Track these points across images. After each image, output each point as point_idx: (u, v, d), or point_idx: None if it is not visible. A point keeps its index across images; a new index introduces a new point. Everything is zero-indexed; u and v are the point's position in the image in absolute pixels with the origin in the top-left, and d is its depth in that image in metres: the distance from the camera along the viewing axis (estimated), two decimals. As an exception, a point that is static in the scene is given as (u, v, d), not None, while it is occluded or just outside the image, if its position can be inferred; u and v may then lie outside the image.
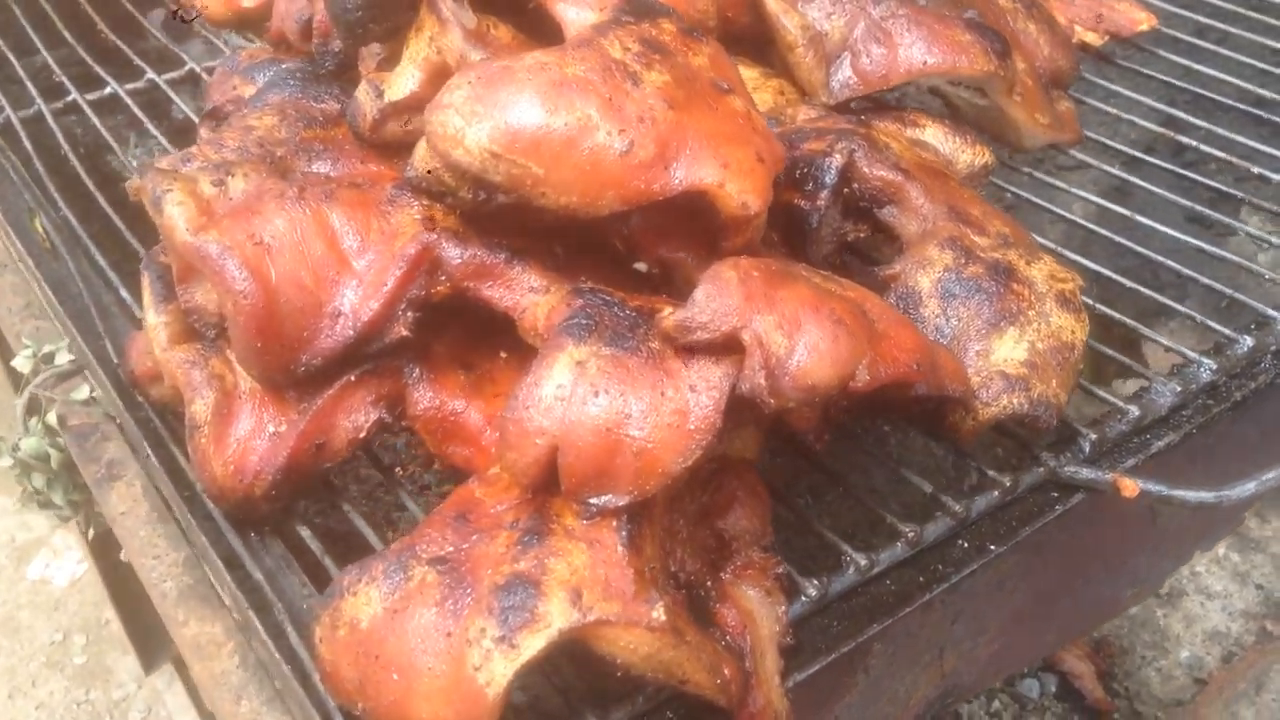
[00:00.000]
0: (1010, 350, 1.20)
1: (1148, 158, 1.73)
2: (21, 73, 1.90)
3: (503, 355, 1.24)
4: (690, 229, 1.18)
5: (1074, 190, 1.66)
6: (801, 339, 1.01)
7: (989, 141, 1.52)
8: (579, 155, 1.06)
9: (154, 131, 1.77)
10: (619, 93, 1.09)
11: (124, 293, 1.47)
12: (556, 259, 1.19)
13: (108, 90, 1.88)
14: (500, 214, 1.12)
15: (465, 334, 1.23)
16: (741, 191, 1.09)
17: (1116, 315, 1.45)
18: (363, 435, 1.18)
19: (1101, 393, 1.31)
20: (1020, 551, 1.23)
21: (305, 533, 1.21)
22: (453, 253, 1.15)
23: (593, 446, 1.00)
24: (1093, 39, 1.76)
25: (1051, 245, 1.60)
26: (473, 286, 1.16)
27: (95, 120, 1.79)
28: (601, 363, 1.02)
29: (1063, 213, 1.64)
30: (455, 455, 1.19)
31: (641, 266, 1.25)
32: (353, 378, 1.17)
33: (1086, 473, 1.23)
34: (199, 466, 1.18)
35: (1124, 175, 1.70)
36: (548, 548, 1.01)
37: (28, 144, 1.74)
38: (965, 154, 1.47)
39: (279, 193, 1.16)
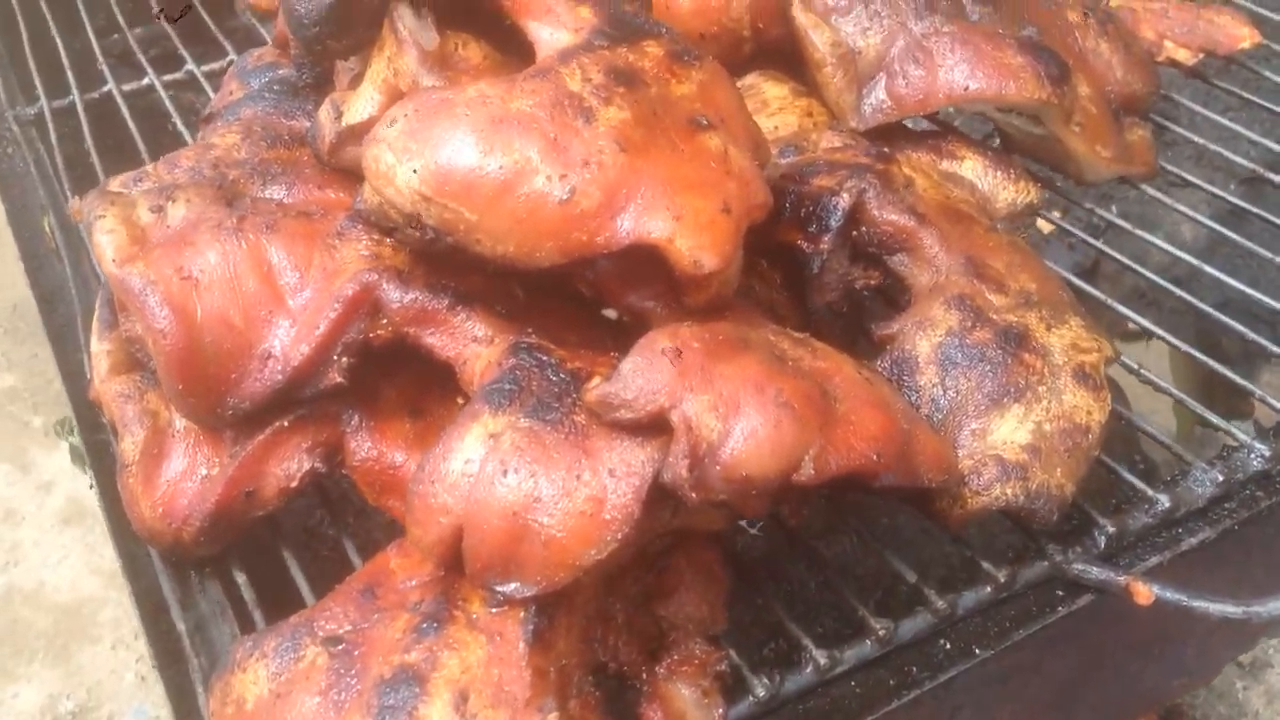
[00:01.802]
0: (1011, 431, 1.05)
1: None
2: (64, 57, 1.86)
3: (459, 401, 1.15)
4: (659, 276, 1.06)
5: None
6: (738, 424, 0.90)
7: (1037, 177, 1.36)
8: (514, 201, 0.96)
9: (180, 128, 1.72)
10: (566, 132, 0.98)
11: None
12: (513, 302, 1.09)
13: (145, 81, 1.83)
14: (452, 253, 1.03)
15: (419, 376, 1.14)
16: (695, 248, 0.97)
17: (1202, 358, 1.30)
18: (295, 484, 1.10)
19: (1127, 474, 1.16)
20: (1018, 652, 1.09)
21: (241, 578, 1.14)
22: (394, 295, 1.06)
23: (498, 531, 0.90)
24: (1184, 56, 1.57)
25: (1146, 272, 1.47)
26: (414, 332, 1.07)
27: (126, 113, 1.75)
28: (516, 436, 0.92)
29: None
30: (394, 509, 1.11)
31: (612, 313, 1.15)
32: (286, 423, 1.09)
33: (1097, 572, 1.08)
34: (128, 506, 1.12)
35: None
36: (444, 638, 0.92)
37: (54, 136, 1.71)
38: (1006, 191, 1.32)
39: (216, 223, 1.09)
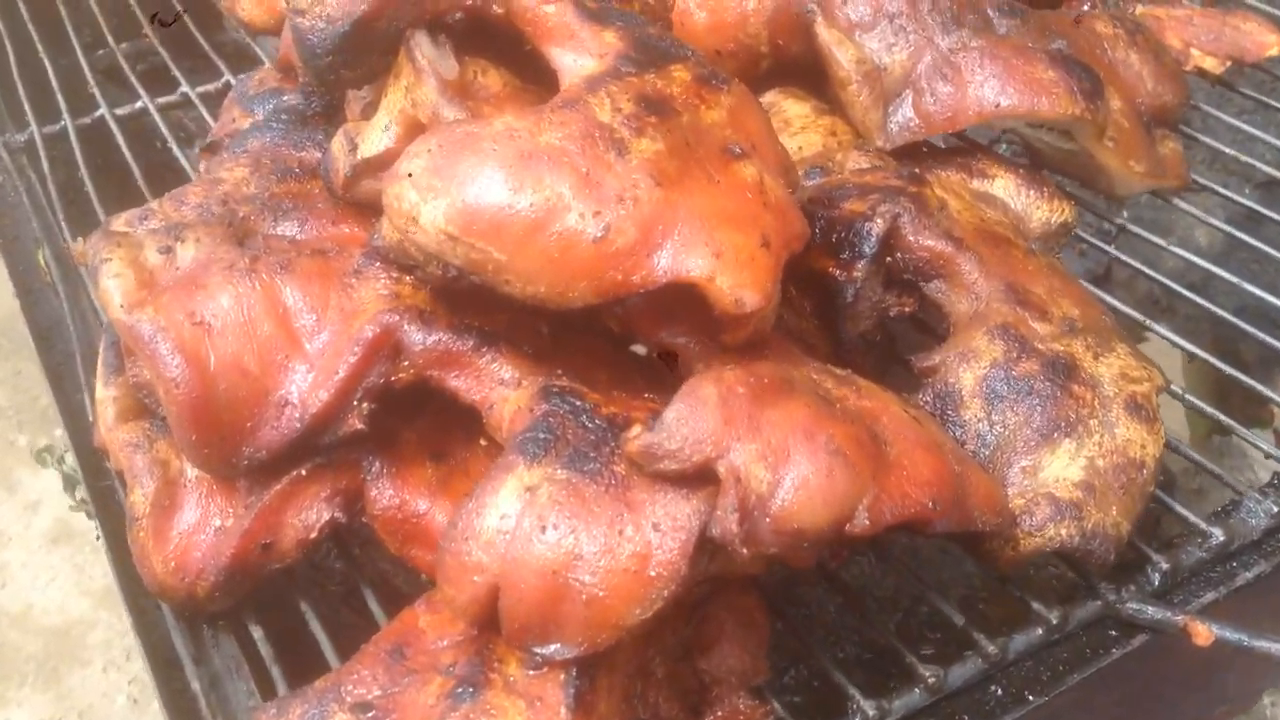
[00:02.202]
0: (1063, 468, 1.01)
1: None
2: (53, 81, 1.81)
3: (481, 443, 1.10)
4: (693, 311, 1.02)
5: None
6: (788, 474, 0.85)
7: (1070, 195, 1.32)
8: (546, 241, 0.91)
9: (176, 151, 1.67)
10: (599, 166, 0.93)
11: (114, 338, 1.37)
12: (540, 340, 1.05)
13: (138, 104, 1.78)
14: (475, 291, 0.98)
15: (439, 416, 1.10)
16: (736, 286, 0.92)
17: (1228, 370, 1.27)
18: (314, 536, 1.05)
19: (1179, 508, 1.11)
20: (1071, 693, 1.05)
21: (258, 633, 1.09)
22: (416, 337, 1.01)
23: (537, 590, 0.86)
24: (1212, 65, 1.53)
25: (1160, 278, 1.44)
26: (437, 375, 1.02)
27: (120, 139, 1.69)
28: (554, 489, 0.87)
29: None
30: (418, 559, 1.06)
31: (641, 349, 1.10)
32: (304, 471, 1.04)
33: (1153, 611, 1.04)
34: (138, 561, 1.07)
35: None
36: (481, 704, 0.87)
37: (45, 164, 1.65)
38: (1040, 211, 1.27)
39: (229, 263, 1.04)
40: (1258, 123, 1.77)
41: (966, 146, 1.36)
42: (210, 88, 1.83)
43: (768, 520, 0.85)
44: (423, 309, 1.03)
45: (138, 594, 1.12)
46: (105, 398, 1.11)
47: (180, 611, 1.09)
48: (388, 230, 1.00)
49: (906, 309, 1.18)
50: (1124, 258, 1.50)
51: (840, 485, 0.86)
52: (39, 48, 1.89)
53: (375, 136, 1.09)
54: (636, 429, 0.88)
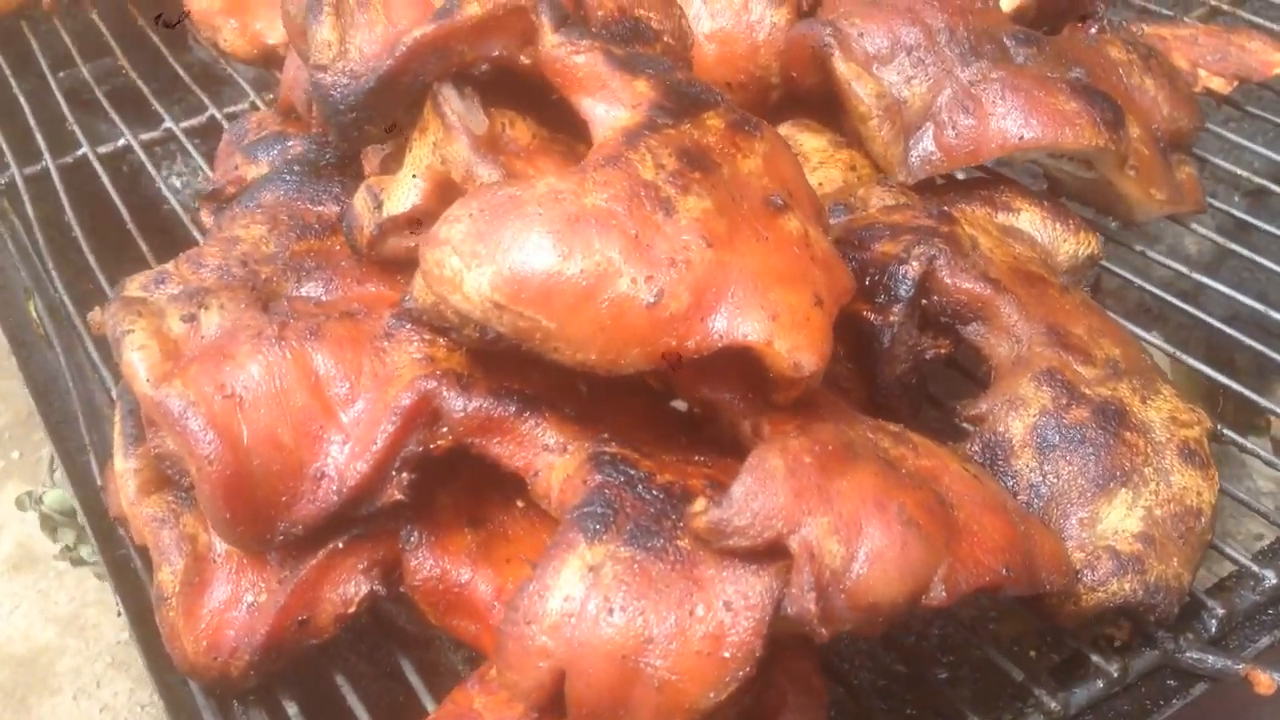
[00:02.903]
0: (1121, 519, 0.99)
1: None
2: (31, 120, 1.75)
3: (518, 505, 1.07)
4: (736, 367, 0.99)
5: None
6: (862, 547, 0.83)
7: (1093, 225, 1.31)
8: (597, 308, 0.88)
9: (164, 192, 1.62)
10: (648, 228, 0.90)
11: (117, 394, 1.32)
12: (579, 399, 1.02)
13: (120, 142, 1.73)
14: (513, 352, 0.94)
15: (474, 479, 1.06)
16: (794, 349, 0.90)
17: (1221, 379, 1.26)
18: (353, 610, 1.02)
19: (1230, 550, 1.10)
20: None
21: (292, 709, 1.05)
22: (455, 403, 0.98)
23: (607, 675, 0.83)
24: (1219, 85, 1.52)
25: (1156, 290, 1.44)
26: (478, 443, 0.99)
27: (105, 179, 1.64)
28: (619, 568, 0.84)
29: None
30: (460, 629, 1.03)
31: (681, 404, 1.07)
32: (340, 544, 1.01)
33: (1213, 660, 1.03)
34: (168, 641, 1.03)
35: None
36: (550, 792, 0.84)
37: (29, 207, 1.59)
38: (1067, 244, 1.26)
39: (256, 331, 1.00)
40: (1244, 131, 1.77)
41: (988, 177, 1.34)
42: (194, 122, 1.78)
43: (843, 596, 0.82)
44: (460, 373, 1.00)
45: (163, 669, 1.08)
46: (126, 470, 1.06)
47: (211, 690, 1.05)
48: (421, 293, 0.96)
49: (943, 351, 1.16)
50: (1113, 267, 1.48)
51: (915, 556, 0.83)
52: (14, 85, 1.83)
53: (401, 193, 1.05)
54: (701, 503, 0.85)
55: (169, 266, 1.08)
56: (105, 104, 1.78)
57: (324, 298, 1.08)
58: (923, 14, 1.33)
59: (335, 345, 1.01)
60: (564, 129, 1.11)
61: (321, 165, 1.19)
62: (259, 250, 1.10)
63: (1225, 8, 1.80)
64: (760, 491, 0.83)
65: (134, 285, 1.07)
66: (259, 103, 1.77)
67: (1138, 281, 1.46)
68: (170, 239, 1.69)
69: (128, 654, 3.09)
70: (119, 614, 1.13)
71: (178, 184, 1.90)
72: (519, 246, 0.88)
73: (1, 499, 3.10)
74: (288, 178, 1.17)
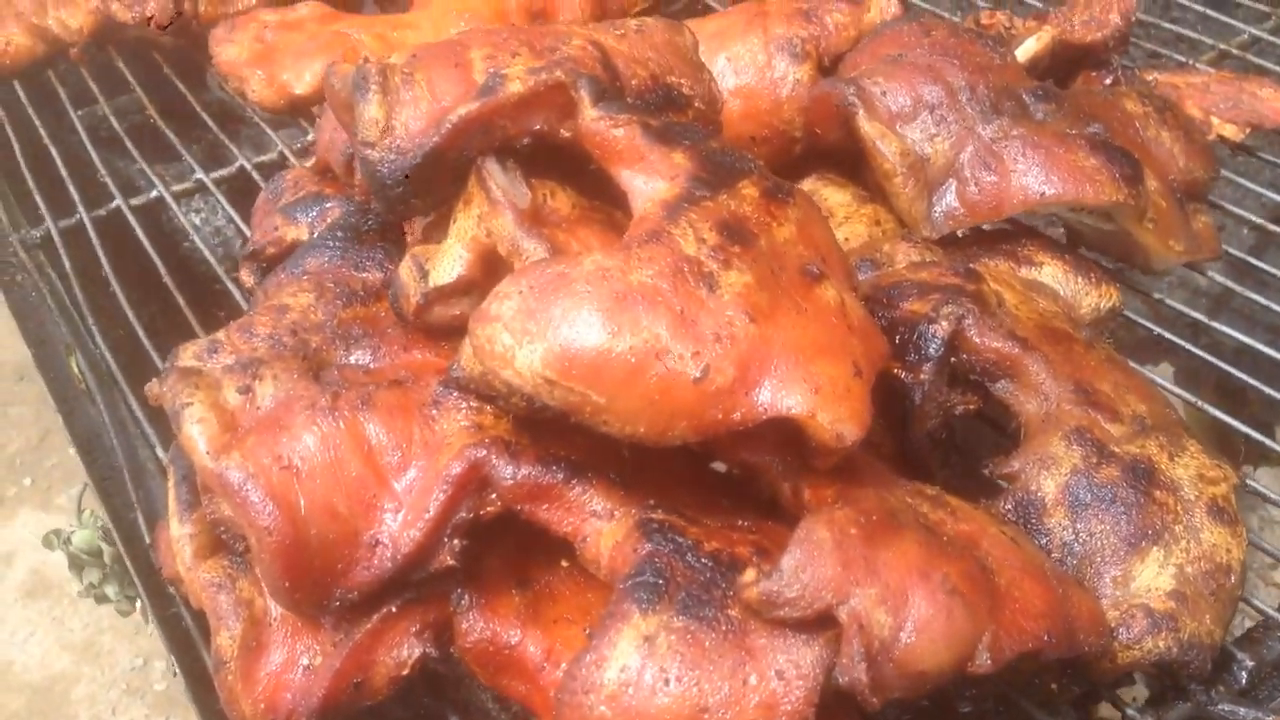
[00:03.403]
0: (1154, 576, 1.03)
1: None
2: (64, 172, 1.78)
3: (564, 564, 1.10)
4: (776, 432, 1.02)
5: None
6: (909, 617, 0.86)
7: (1114, 277, 1.34)
8: (646, 383, 0.91)
9: (198, 243, 1.65)
10: (692, 304, 0.93)
11: (160, 451, 1.35)
12: (623, 463, 1.05)
13: (153, 194, 1.76)
14: (559, 421, 0.98)
15: (521, 539, 1.09)
16: (836, 421, 0.93)
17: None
18: (406, 672, 1.05)
19: (1257, 601, 1.13)
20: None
21: (346, 767, 1.08)
22: (504, 471, 1.01)
23: (663, 743, 0.86)
24: (1231, 132, 1.56)
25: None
26: (527, 509, 1.02)
27: (140, 231, 1.67)
28: (673, 639, 0.87)
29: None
30: (511, 689, 1.06)
31: (720, 465, 1.10)
32: (394, 608, 1.04)
33: (1245, 712, 1.05)
34: (227, 705, 1.06)
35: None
36: None
37: (66, 261, 1.63)
38: (1089, 297, 1.29)
39: (310, 402, 1.03)
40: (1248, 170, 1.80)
41: (1011, 229, 1.37)
42: (224, 172, 1.81)
43: (892, 665, 0.85)
44: (508, 440, 1.03)
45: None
46: (182, 535, 1.09)
47: (266, 749, 1.07)
48: (468, 362, 0.99)
49: (971, 406, 1.19)
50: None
51: (961, 625, 0.86)
52: (44, 135, 1.86)
53: (448, 264, 1.08)
54: (750, 573, 0.88)
55: (220, 336, 1.12)
56: (135, 152, 1.82)
57: (372, 365, 1.11)
58: (944, 72, 1.36)
59: (386, 414, 1.04)
60: (601, 195, 1.14)
61: (364, 230, 1.22)
62: (308, 318, 1.13)
63: (1235, 52, 1.84)
64: (809, 564, 0.86)
65: (187, 355, 1.10)
66: (286, 153, 1.80)
67: (1144, 321, 1.49)
68: (204, 289, 1.73)
69: (142, 680, 3.13)
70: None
71: (209, 231, 1.93)
72: (569, 324, 0.91)
73: (14, 525, 3.13)
74: (331, 244, 1.21)
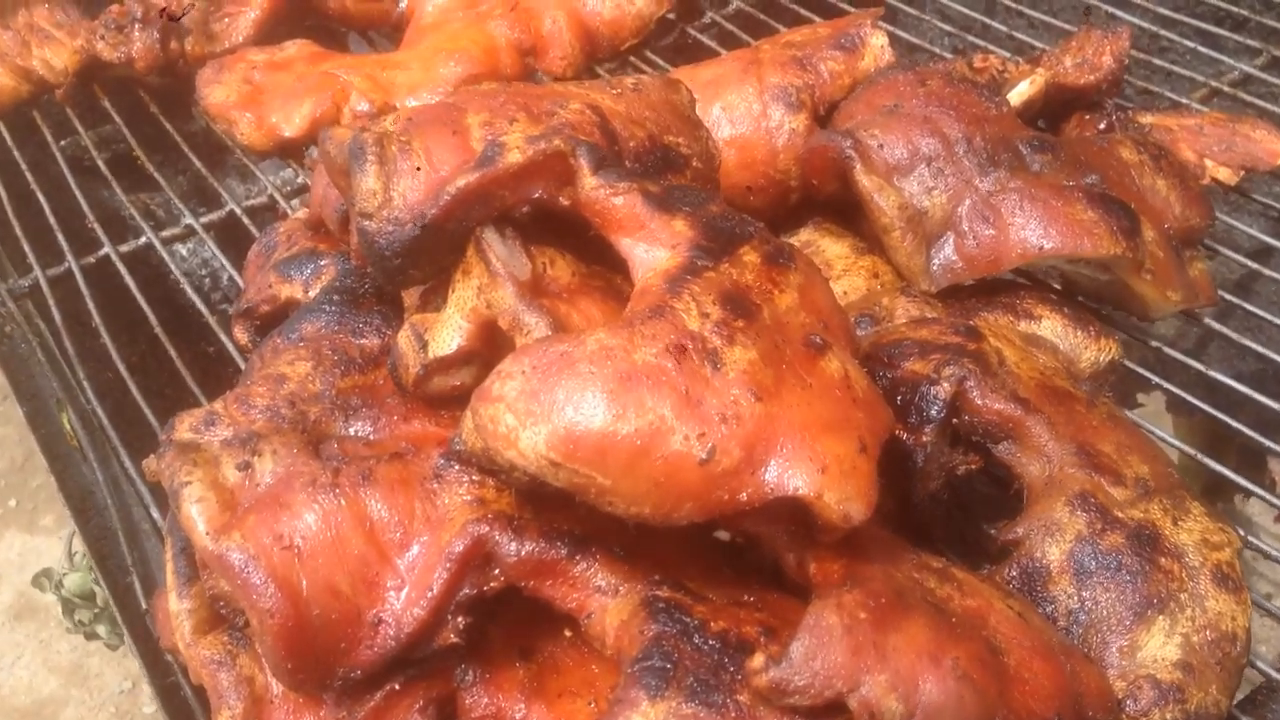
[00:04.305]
0: (1160, 646, 1.02)
1: None
2: (52, 219, 1.77)
3: (567, 634, 1.10)
4: (782, 507, 1.01)
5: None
6: (919, 703, 0.86)
7: (1113, 331, 1.34)
8: (652, 465, 0.90)
9: (190, 293, 1.64)
10: (697, 383, 0.93)
11: (155, 513, 1.34)
12: (627, 537, 1.04)
13: (142, 240, 1.75)
14: (562, 497, 0.97)
15: (522, 611, 1.08)
16: (843, 500, 0.92)
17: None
18: (410, 749, 1.04)
19: (1259, 664, 1.13)
20: None
21: (349, 842, 1.07)
22: (508, 548, 1.00)
23: (674, 832, 0.85)
24: (1226, 175, 1.56)
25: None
26: (531, 585, 1.01)
27: (129, 279, 1.66)
28: (682, 726, 0.87)
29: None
30: (516, 764, 1.05)
31: (724, 534, 1.10)
32: (397, 685, 1.03)
33: (1250, 777, 1.06)
34: (229, 783, 1.05)
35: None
36: None
37: (55, 311, 1.61)
38: (1089, 351, 1.29)
39: (311, 478, 1.02)
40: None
41: (1009, 281, 1.37)
42: (214, 216, 1.79)
43: (902, 752, 0.85)
44: (510, 515, 1.02)
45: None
46: (181, 610, 1.08)
47: (268, 827, 1.06)
48: (470, 437, 0.99)
49: (974, 466, 1.18)
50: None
51: (971, 711, 0.86)
52: (28, 176, 1.84)
53: (446, 335, 1.07)
54: (759, 659, 0.87)
55: (218, 407, 1.11)
56: (123, 197, 1.81)
57: (372, 436, 1.10)
58: (940, 124, 1.36)
59: (387, 489, 1.03)
60: (600, 259, 1.13)
61: (361, 294, 1.21)
62: (306, 389, 1.12)
63: (1226, 89, 1.84)
64: (819, 651, 0.86)
65: (184, 427, 1.09)
66: (277, 196, 1.79)
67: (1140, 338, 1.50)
68: (193, 335, 1.72)
69: (131, 704, 3.11)
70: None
71: (198, 271, 1.92)
72: (573, 406, 0.90)
73: (0, 547, 3.10)
74: (328, 308, 1.20)
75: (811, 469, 0.93)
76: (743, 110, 1.46)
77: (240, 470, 1.03)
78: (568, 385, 0.91)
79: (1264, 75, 1.86)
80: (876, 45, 1.51)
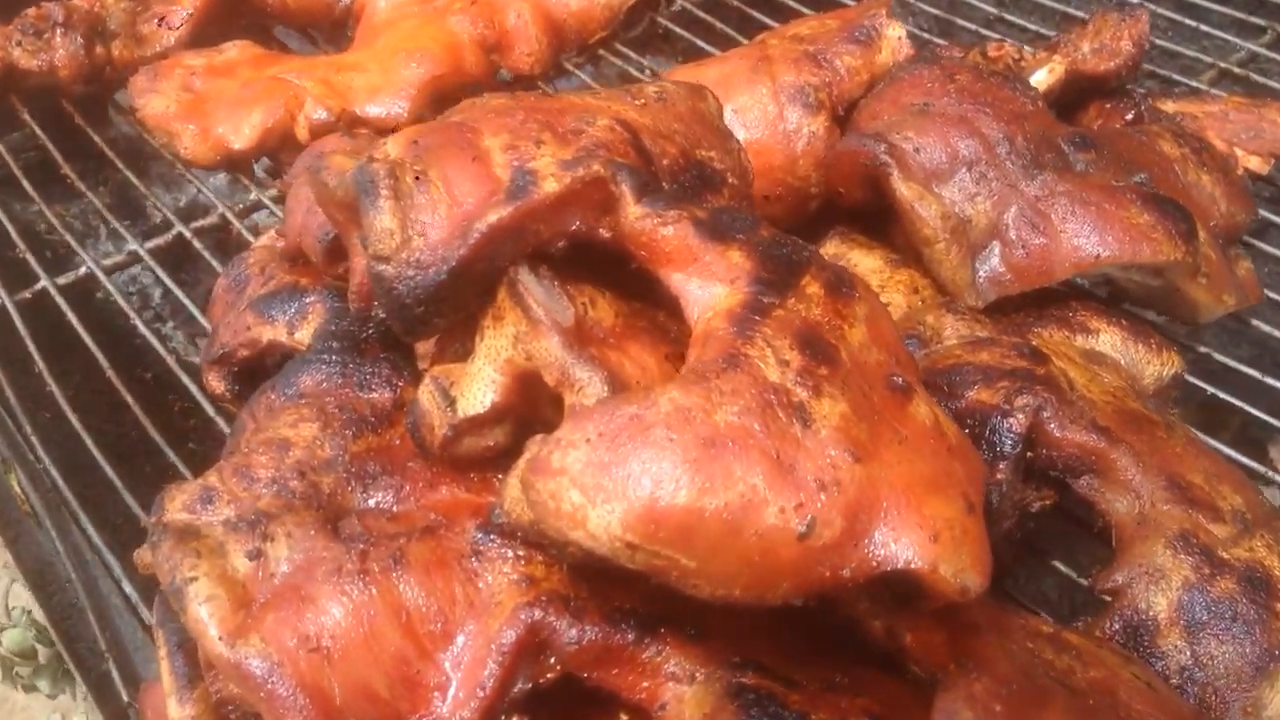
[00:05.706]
0: (1284, 703, 0.93)
1: None
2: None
3: (623, 718, 0.98)
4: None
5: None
6: (1070, 807, 0.75)
7: (1173, 342, 1.25)
8: (744, 543, 0.79)
9: (141, 328, 1.48)
10: (788, 444, 0.81)
11: (128, 587, 1.19)
12: (698, 614, 0.92)
13: (82, 270, 1.58)
14: (627, 572, 0.85)
15: (571, 696, 0.96)
16: (960, 572, 0.82)
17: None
18: None
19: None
20: None
21: None
22: (567, 635, 0.88)
23: None
24: (1257, 164, 1.47)
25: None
26: (594, 675, 0.89)
27: (70, 314, 1.50)
28: (798, 847, 0.75)
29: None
30: None
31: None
32: (443, 796, 0.90)
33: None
34: None
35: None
36: None
37: (-7, 357, 1.45)
38: (1151, 366, 1.20)
39: (335, 565, 0.89)
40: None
41: (1056, 291, 1.27)
42: (160, 241, 1.63)
43: None
44: (566, 596, 0.90)
45: None
46: (183, 718, 0.94)
47: None
48: (514, 506, 0.87)
49: (1048, 502, 1.09)
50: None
51: (1129, 811, 0.76)
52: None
53: (478, 391, 0.94)
54: (881, 763, 0.76)
55: (214, 481, 0.96)
56: (62, 232, 1.64)
57: (395, 508, 0.97)
58: (977, 123, 1.25)
59: (423, 573, 0.90)
60: (639, 294, 1.01)
61: (362, 340, 1.07)
62: (315, 455, 0.98)
63: (1235, 70, 1.76)
64: (956, 754, 0.75)
65: (175, 506, 0.95)
66: (229, 216, 1.64)
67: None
68: (143, 367, 1.57)
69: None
70: None
71: (149, 305, 1.76)
72: (651, 479, 0.78)
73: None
74: (328, 358, 1.06)
75: (922, 537, 0.81)
76: (757, 113, 1.34)
77: (251, 559, 0.90)
78: (643, 456, 0.79)
79: (1271, 54, 1.78)
80: (893, 37, 1.39)
